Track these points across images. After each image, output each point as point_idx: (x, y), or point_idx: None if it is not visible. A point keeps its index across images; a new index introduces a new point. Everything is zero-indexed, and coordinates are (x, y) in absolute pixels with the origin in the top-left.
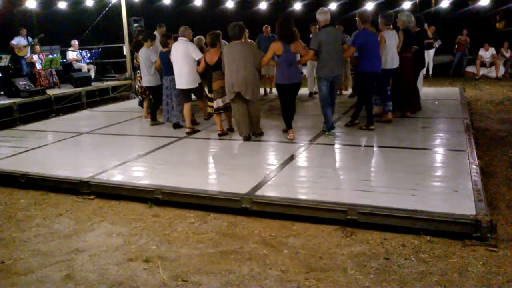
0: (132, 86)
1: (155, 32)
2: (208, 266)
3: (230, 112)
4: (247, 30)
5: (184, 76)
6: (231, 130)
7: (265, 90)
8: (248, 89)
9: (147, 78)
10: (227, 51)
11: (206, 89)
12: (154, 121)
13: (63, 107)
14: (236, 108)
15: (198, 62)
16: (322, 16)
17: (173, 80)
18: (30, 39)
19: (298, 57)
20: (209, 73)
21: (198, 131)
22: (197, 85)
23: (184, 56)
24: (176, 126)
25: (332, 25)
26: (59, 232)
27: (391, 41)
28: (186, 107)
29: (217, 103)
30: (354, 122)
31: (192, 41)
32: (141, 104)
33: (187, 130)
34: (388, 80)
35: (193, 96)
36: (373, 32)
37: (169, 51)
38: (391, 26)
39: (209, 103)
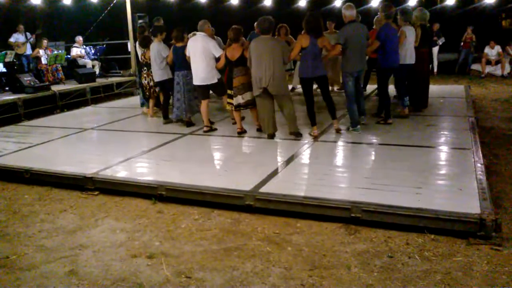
0: (137, 82)
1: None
2: (211, 263)
3: (254, 109)
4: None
5: (201, 72)
6: (260, 130)
7: None
8: (276, 84)
9: (157, 73)
10: (255, 46)
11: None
12: (167, 119)
13: (67, 103)
14: (261, 105)
15: (218, 59)
16: (348, 11)
17: (185, 76)
18: (28, 35)
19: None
20: (230, 69)
21: (215, 129)
22: (215, 80)
23: (202, 52)
24: (190, 124)
25: (357, 21)
26: (63, 228)
27: (410, 36)
28: (203, 104)
29: (237, 100)
30: (388, 121)
31: (212, 36)
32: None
33: (205, 128)
34: (406, 75)
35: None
36: (394, 28)
37: (184, 46)
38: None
39: (229, 100)
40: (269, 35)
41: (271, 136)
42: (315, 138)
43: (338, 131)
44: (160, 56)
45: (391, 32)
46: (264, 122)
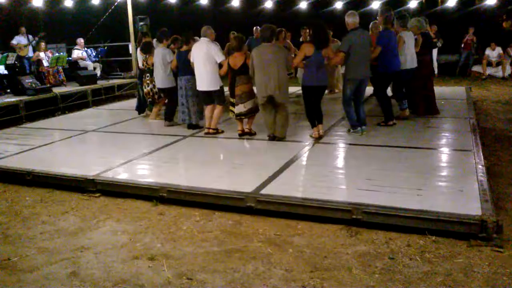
0: (138, 84)
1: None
2: (212, 265)
3: (253, 116)
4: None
5: (205, 77)
6: (251, 134)
7: None
8: (281, 92)
9: (162, 79)
10: (258, 54)
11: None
12: (171, 121)
13: (69, 105)
14: (265, 110)
15: (220, 65)
16: (351, 18)
17: (189, 80)
18: (30, 37)
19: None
20: (232, 77)
21: (222, 131)
22: (218, 87)
23: (206, 57)
24: (191, 126)
25: (361, 28)
26: (65, 230)
27: (409, 41)
28: (208, 109)
29: (239, 108)
30: (388, 123)
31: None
32: (139, 108)
33: (206, 130)
34: (406, 80)
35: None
36: (394, 33)
37: (188, 51)
38: (407, 27)
39: (231, 108)
40: (272, 42)
41: (272, 138)
42: (316, 139)
43: (317, 136)
44: (165, 61)
45: (391, 37)
46: (267, 124)
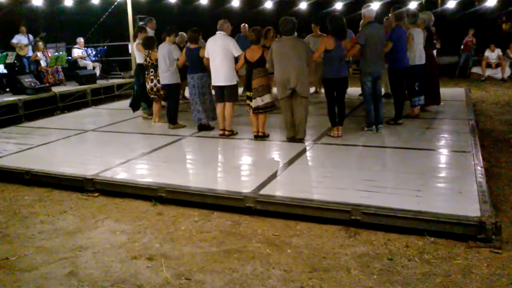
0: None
1: (147, 28)
2: (211, 265)
3: (265, 115)
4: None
5: (222, 72)
6: (263, 136)
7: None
8: (302, 85)
9: (166, 75)
10: (278, 47)
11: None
12: (175, 124)
13: (68, 104)
14: (285, 107)
15: (236, 59)
16: (368, 12)
17: (201, 78)
18: (31, 37)
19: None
20: (249, 70)
21: (236, 133)
22: (235, 82)
23: (223, 51)
24: (201, 127)
25: (378, 22)
26: (63, 229)
27: (418, 38)
28: (219, 107)
29: (257, 102)
30: (398, 121)
31: (230, 34)
32: (134, 104)
33: (226, 132)
34: (417, 75)
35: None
36: (404, 30)
37: (199, 48)
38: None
39: (248, 102)
40: (293, 36)
41: (292, 139)
42: (337, 138)
43: (337, 136)
44: (171, 58)
45: (402, 34)
46: (287, 123)
